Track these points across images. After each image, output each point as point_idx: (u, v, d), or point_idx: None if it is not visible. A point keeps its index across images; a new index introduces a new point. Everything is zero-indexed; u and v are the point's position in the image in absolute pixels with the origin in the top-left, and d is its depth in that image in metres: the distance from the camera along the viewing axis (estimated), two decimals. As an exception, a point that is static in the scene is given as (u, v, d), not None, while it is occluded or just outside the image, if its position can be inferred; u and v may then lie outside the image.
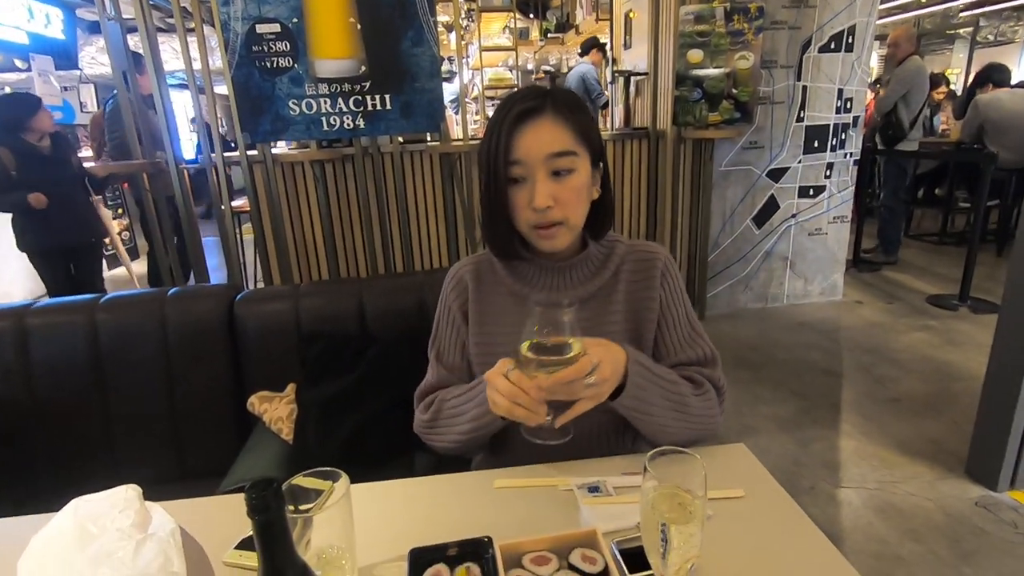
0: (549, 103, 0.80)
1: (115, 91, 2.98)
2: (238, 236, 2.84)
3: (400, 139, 2.82)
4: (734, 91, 2.91)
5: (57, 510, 0.76)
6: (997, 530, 1.65)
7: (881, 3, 3.65)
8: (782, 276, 3.46)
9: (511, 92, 0.86)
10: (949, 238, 4.74)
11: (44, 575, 0.57)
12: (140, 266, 5.25)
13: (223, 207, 2.67)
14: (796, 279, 3.49)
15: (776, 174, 3.28)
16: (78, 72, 6.01)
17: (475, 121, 4.63)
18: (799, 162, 3.28)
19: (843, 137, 3.30)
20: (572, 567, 0.60)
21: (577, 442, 0.84)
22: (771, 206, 3.34)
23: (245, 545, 0.70)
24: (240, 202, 3.14)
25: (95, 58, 6.14)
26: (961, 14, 7.60)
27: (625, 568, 0.61)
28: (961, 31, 8.19)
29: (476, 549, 0.64)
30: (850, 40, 3.15)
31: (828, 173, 3.34)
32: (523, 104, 0.80)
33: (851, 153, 3.36)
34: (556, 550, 0.62)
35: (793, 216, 3.37)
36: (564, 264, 0.90)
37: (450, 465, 0.94)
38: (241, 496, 0.87)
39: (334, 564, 0.59)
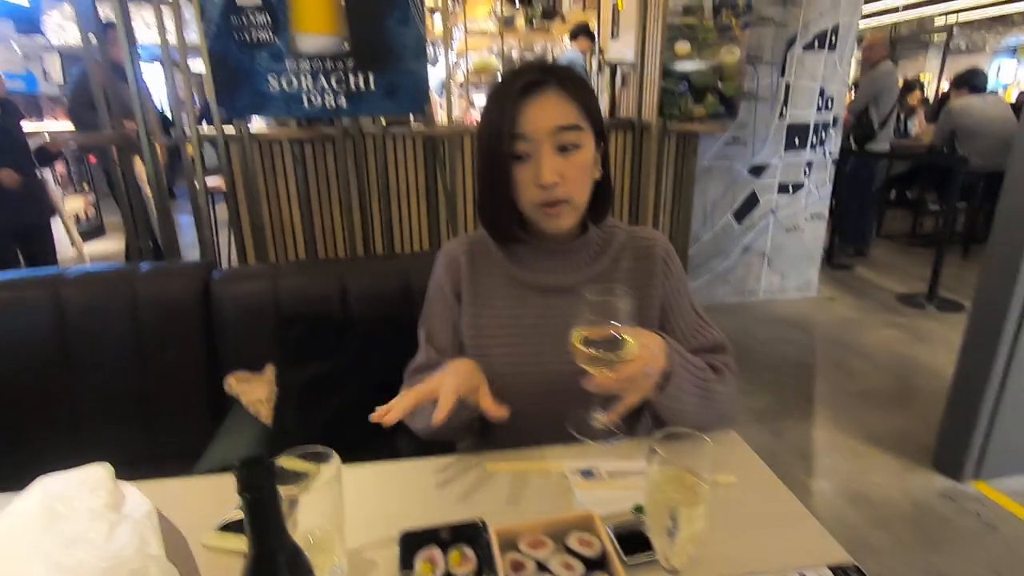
0: (554, 77, 0.78)
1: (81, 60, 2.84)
2: (212, 216, 2.75)
3: (383, 121, 2.76)
4: (720, 85, 2.92)
5: (18, 490, 0.72)
6: (962, 519, 1.70)
7: (864, 3, 3.71)
8: (759, 271, 3.51)
9: (511, 69, 0.83)
10: (918, 239, 4.87)
11: (5, 557, 0.54)
12: (107, 244, 5.07)
13: (197, 184, 2.58)
14: (773, 274, 3.54)
15: (757, 170, 3.32)
16: (42, 39, 5.73)
17: (459, 106, 4.57)
18: (779, 159, 3.32)
19: (823, 136, 3.35)
20: (569, 550, 0.59)
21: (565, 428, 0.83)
22: (751, 202, 3.38)
23: (227, 527, 0.67)
24: (214, 181, 3.04)
25: (62, 26, 5.86)
26: (936, 21, 7.79)
27: (621, 551, 0.60)
28: (935, 38, 8.40)
29: (469, 532, 0.63)
30: (833, 39, 3.19)
31: (807, 171, 3.39)
32: (528, 77, 0.77)
33: (830, 152, 3.41)
34: (552, 534, 0.61)
35: (772, 212, 3.42)
36: (564, 247, 0.88)
37: (435, 449, 0.91)
38: (218, 478, 0.84)
39: (321, 547, 0.57)
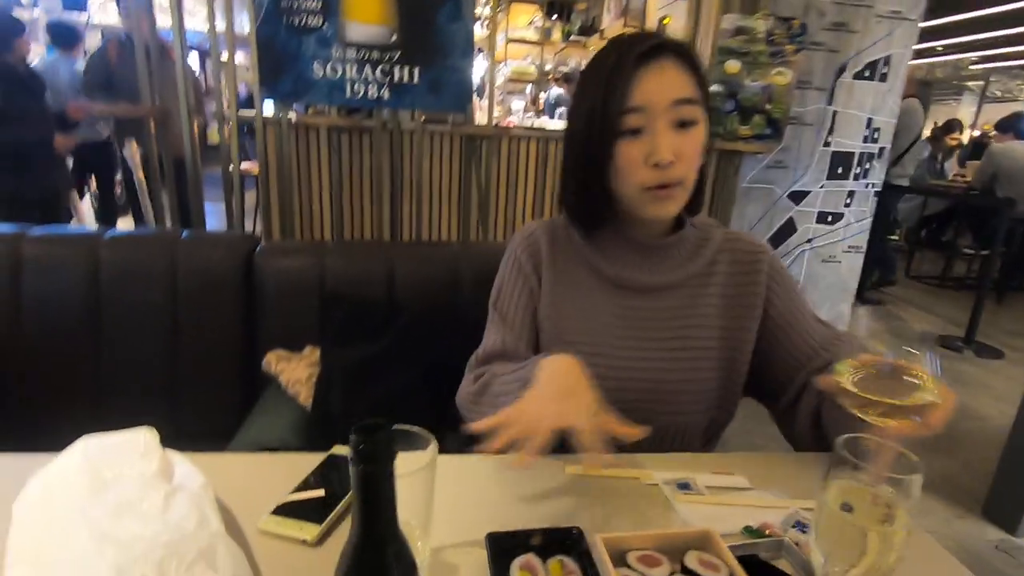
0: (670, 46, 0.71)
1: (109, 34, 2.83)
2: (241, 200, 2.70)
3: (422, 117, 2.72)
4: (768, 106, 2.86)
5: (35, 450, 0.65)
6: (1017, 574, 1.59)
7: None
8: (791, 300, 3.42)
9: (615, 38, 0.76)
10: (949, 282, 4.76)
11: (50, 522, 0.46)
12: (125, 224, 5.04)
13: (232, 167, 2.54)
14: (805, 305, 3.45)
15: (797, 196, 3.24)
16: (86, 15, 5.78)
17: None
18: (821, 187, 3.24)
19: (867, 167, 3.27)
20: (688, 571, 0.50)
21: (657, 440, 0.75)
22: (788, 229, 3.30)
23: (283, 511, 0.59)
24: (245, 165, 3.00)
25: (103, 5, 5.91)
26: (971, 67, 7.74)
27: (746, 578, 0.51)
28: (970, 84, 8.35)
29: (563, 540, 0.55)
30: (885, 70, 3.13)
31: (848, 201, 3.31)
32: (643, 44, 0.70)
33: (873, 184, 3.33)
34: (664, 550, 0.53)
35: (808, 241, 3.33)
36: (656, 243, 0.80)
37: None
38: (268, 456, 0.76)
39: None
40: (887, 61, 3.11)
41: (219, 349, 1.21)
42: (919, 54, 7.59)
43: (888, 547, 0.41)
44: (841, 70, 3.08)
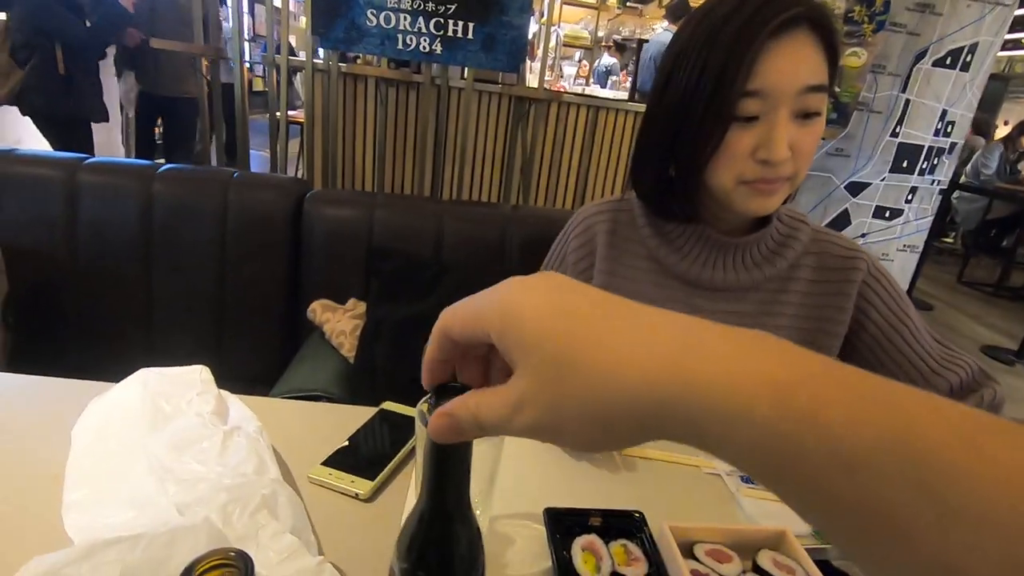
0: (809, 13, 0.57)
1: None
2: (286, 148, 2.69)
3: (472, 76, 2.65)
4: (836, 89, 2.70)
5: (82, 377, 0.65)
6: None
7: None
8: (836, 295, 3.30)
9: None
10: (1004, 291, 4.53)
11: (109, 450, 0.45)
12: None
13: (278, 113, 2.52)
14: (849, 301, 3.33)
15: (855, 188, 3.09)
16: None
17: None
18: (882, 180, 3.07)
19: (935, 162, 3.09)
20: (760, 571, 0.47)
21: None
22: (842, 221, 3.15)
23: (334, 463, 0.58)
24: (293, 112, 2.98)
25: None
26: (1055, 64, 7.19)
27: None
28: (1052, 82, 7.78)
29: (624, 523, 0.52)
30: (968, 59, 2.91)
31: (910, 197, 3.14)
32: (780, 10, 0.56)
33: (939, 181, 3.15)
34: (735, 546, 0.49)
35: (862, 236, 3.18)
36: (734, 240, 0.69)
37: None
38: (315, 406, 0.75)
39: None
40: (972, 49, 2.90)
41: (265, 293, 1.21)
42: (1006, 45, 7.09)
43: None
44: (920, 56, 2.87)
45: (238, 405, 0.57)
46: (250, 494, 0.39)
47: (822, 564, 0.51)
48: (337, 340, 1.05)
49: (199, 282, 1.20)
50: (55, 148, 2.78)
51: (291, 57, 2.52)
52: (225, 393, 0.59)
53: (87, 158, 1.20)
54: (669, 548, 0.47)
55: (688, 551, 0.49)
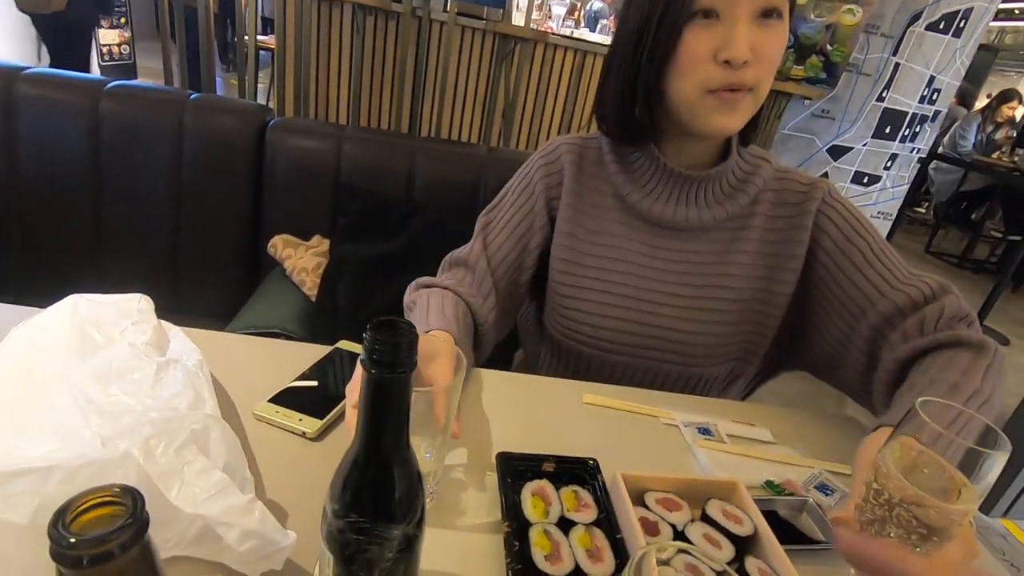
0: None
1: None
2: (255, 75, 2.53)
3: (455, 9, 2.50)
4: (828, 48, 2.64)
5: (33, 305, 0.60)
6: (985, 553, 1.64)
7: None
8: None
9: None
10: (968, 263, 4.66)
11: (31, 379, 0.42)
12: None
13: (247, 37, 2.36)
14: (820, 265, 3.38)
15: (837, 152, 3.07)
16: None
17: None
18: (864, 144, 3.07)
19: (917, 130, 3.08)
20: (710, 520, 0.47)
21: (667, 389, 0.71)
22: (821, 184, 3.15)
23: (282, 400, 0.56)
24: (263, 38, 2.79)
25: None
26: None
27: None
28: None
29: (578, 470, 0.51)
30: (962, 24, 2.87)
31: (889, 164, 3.14)
32: None
33: (919, 149, 3.16)
34: (686, 495, 0.49)
35: (838, 200, 3.20)
36: (695, 175, 0.68)
37: (493, 361, 0.77)
38: (268, 342, 0.72)
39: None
40: (967, 14, 2.84)
41: (223, 225, 1.15)
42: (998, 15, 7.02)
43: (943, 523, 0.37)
44: (915, 17, 2.82)
45: (180, 338, 0.54)
46: (178, 428, 0.36)
47: (770, 515, 0.52)
48: (299, 277, 1.01)
49: (153, 211, 1.13)
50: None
51: (261, -25, 2.34)
52: (167, 324, 0.55)
53: (26, 68, 1.10)
54: (620, 495, 0.47)
55: (639, 499, 0.48)
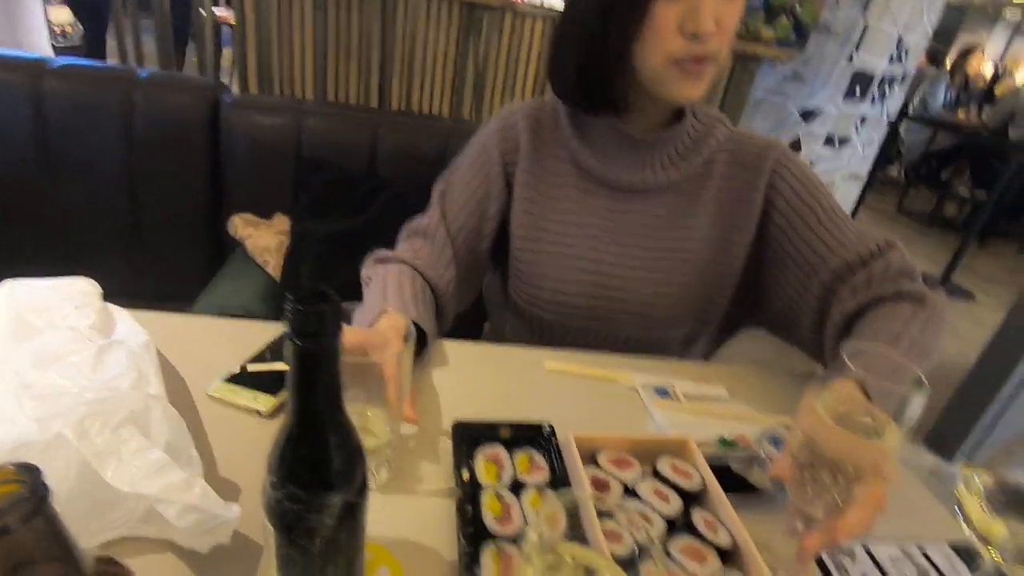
0: None
1: None
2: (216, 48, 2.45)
3: (421, -23, 2.43)
4: (798, 8, 2.63)
5: None
6: (945, 497, 1.71)
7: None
8: (781, 223, 3.38)
9: None
10: (938, 221, 4.75)
11: (-38, 367, 0.41)
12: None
13: (204, 13, 2.27)
14: (793, 229, 3.42)
15: (808, 115, 3.08)
16: None
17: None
18: (835, 107, 3.08)
19: (886, 90, 3.10)
20: (660, 476, 0.48)
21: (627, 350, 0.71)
22: (793, 149, 3.17)
23: (238, 379, 0.55)
24: (220, 11, 2.69)
25: None
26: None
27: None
28: (1007, 13, 7.83)
29: (534, 435, 0.52)
30: (929, -18, 2.87)
31: (859, 126, 3.17)
32: None
33: (889, 111, 3.18)
34: (638, 453, 0.50)
35: (811, 164, 3.23)
36: (650, 137, 0.69)
37: (463, 332, 0.78)
38: (224, 321, 0.72)
39: (370, 430, 0.45)
40: (934, -28, 2.84)
41: (182, 205, 1.13)
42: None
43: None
44: (884, -24, 2.81)
45: (127, 320, 0.53)
46: (115, 408, 0.36)
47: (722, 470, 0.53)
48: (262, 258, 1.00)
49: (108, 192, 1.10)
50: None
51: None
52: (113, 307, 0.54)
53: (-39, 47, 1.05)
54: (571, 456, 0.48)
55: (592, 460, 0.49)
